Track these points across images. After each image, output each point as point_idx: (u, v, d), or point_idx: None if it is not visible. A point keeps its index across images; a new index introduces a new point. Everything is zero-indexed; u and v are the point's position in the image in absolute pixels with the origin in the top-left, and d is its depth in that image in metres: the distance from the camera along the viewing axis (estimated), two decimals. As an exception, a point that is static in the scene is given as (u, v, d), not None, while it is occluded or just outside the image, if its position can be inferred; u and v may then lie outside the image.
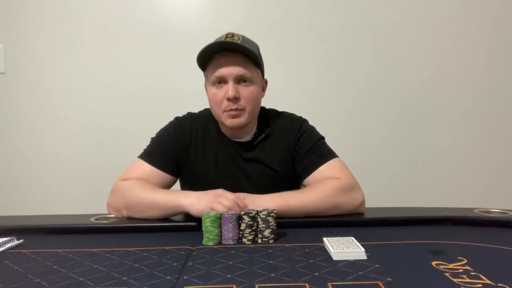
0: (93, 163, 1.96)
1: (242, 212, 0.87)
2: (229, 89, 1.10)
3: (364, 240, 0.81)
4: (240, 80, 1.12)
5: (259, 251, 0.80)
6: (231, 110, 1.11)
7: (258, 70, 1.17)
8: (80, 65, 1.94)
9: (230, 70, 1.10)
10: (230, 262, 0.73)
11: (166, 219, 1.02)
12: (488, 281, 0.63)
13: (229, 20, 1.90)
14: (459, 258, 0.73)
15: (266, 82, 1.24)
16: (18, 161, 1.98)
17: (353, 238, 0.82)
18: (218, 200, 0.93)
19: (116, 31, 1.93)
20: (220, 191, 0.97)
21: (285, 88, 1.90)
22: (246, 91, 1.12)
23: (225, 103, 1.12)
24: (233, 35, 1.12)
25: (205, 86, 1.20)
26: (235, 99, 1.10)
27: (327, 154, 1.17)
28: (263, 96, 1.23)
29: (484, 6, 1.92)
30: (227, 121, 1.13)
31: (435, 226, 0.97)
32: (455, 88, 1.95)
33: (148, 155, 1.17)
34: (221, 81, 1.12)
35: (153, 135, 1.23)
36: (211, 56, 1.12)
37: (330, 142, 1.23)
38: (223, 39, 1.11)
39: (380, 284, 0.62)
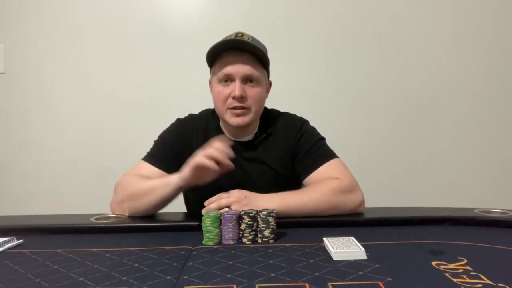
0: (93, 163, 1.96)
1: (242, 212, 0.87)
2: (236, 88, 1.10)
3: (364, 240, 0.81)
4: (247, 80, 1.12)
5: (259, 251, 0.80)
6: (235, 107, 1.11)
7: (265, 71, 1.17)
8: (80, 65, 1.94)
9: (238, 69, 1.10)
10: (230, 262, 0.73)
11: (166, 219, 1.02)
12: (488, 281, 0.63)
13: (229, 20, 1.90)
14: (459, 258, 0.73)
15: (270, 83, 1.24)
16: (18, 161, 1.98)
17: (353, 238, 0.82)
18: (207, 152, 0.95)
19: (116, 31, 1.93)
20: (206, 146, 0.98)
21: (285, 88, 1.89)
22: (252, 91, 1.12)
23: (230, 100, 1.12)
24: (242, 34, 1.12)
25: (210, 83, 1.19)
26: (241, 98, 1.11)
27: (327, 155, 1.17)
28: (266, 97, 1.23)
29: (484, 6, 1.93)
30: (231, 120, 1.13)
31: (435, 226, 0.97)
32: (455, 88, 1.96)
33: (151, 157, 1.17)
34: (228, 79, 1.12)
35: (153, 135, 1.23)
36: (220, 53, 1.12)
37: (330, 142, 1.23)
38: (232, 37, 1.11)
39: (380, 284, 0.62)
